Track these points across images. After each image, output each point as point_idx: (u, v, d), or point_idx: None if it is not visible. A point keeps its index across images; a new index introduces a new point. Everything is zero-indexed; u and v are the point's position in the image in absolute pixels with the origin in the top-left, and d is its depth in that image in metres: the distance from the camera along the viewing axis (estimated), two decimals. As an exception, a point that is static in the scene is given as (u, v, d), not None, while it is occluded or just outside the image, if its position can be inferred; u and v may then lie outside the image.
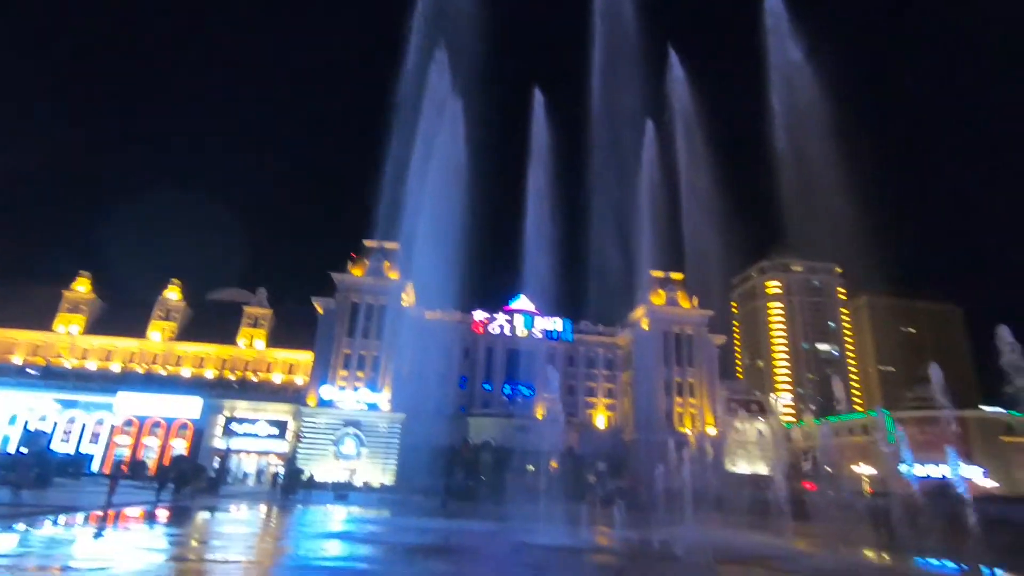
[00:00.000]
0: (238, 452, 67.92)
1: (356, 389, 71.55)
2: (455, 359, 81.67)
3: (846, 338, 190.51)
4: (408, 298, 78.37)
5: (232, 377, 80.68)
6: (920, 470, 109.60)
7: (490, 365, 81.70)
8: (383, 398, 71.56)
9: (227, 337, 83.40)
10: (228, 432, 69.83)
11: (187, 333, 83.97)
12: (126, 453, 68.78)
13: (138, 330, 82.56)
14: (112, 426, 69.20)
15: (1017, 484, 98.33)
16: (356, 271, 77.01)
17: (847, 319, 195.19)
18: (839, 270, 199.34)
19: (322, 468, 65.34)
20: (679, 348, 77.92)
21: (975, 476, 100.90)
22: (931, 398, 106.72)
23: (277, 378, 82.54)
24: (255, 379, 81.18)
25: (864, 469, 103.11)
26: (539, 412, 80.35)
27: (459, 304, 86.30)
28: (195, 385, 76.94)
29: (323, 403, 70.43)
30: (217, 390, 74.40)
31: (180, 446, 70.64)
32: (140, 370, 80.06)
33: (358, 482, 63.31)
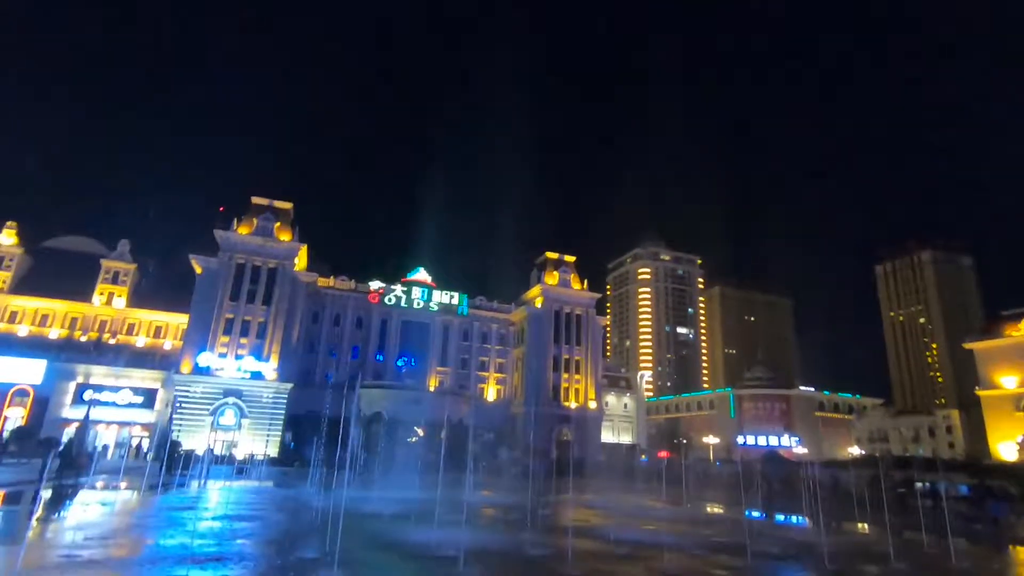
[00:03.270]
0: (96, 423, 60.55)
1: (239, 357, 66.81)
2: (348, 329, 79.22)
3: (700, 323, 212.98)
4: (300, 263, 74.23)
5: (84, 339, 71.07)
6: (752, 440, 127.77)
7: (384, 336, 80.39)
8: (269, 367, 67.64)
9: (78, 293, 72.90)
10: (80, 401, 61.99)
11: (25, 285, 72.07)
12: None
13: (-44, 279, 69.33)
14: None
15: (823, 450, 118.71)
16: (243, 229, 71.11)
17: (703, 306, 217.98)
18: (700, 261, 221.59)
19: (198, 440, 60.68)
20: (568, 327, 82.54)
21: (792, 445, 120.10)
22: (763, 378, 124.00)
23: (141, 341, 74.16)
24: (113, 342, 72.26)
25: (711, 439, 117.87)
26: (431, 384, 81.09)
27: (355, 273, 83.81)
28: (36, 346, 66.73)
29: (200, 370, 64.91)
30: (67, 352, 65.28)
31: (16, 415, 61.45)
32: (-41, 327, 67.56)
33: (240, 455, 59.79)
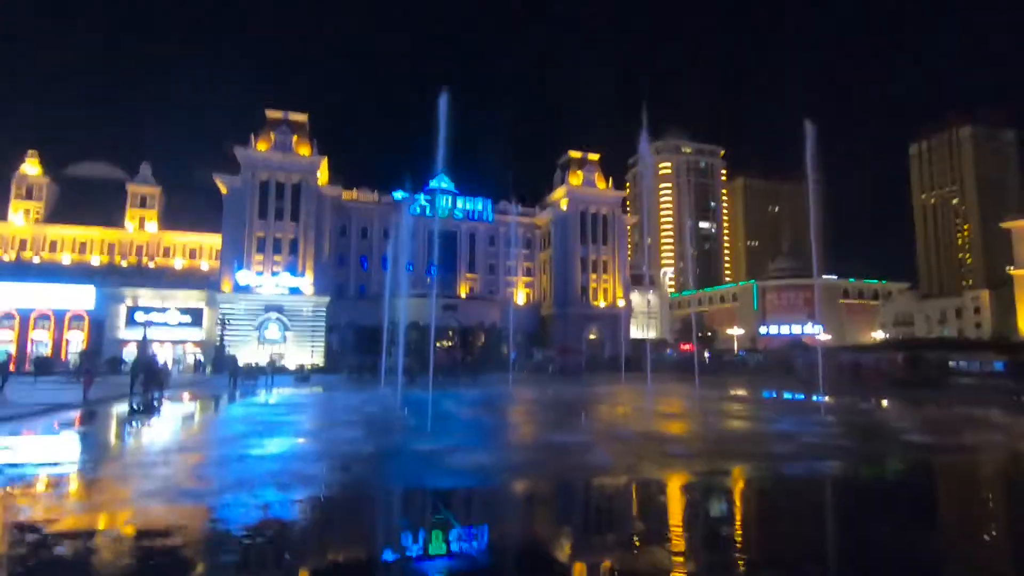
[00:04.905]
0: (151, 342, 63.86)
1: (275, 274, 68.54)
2: (375, 240, 79.99)
3: (724, 216, 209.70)
4: (322, 177, 73.64)
5: (124, 264, 73.20)
6: (776, 330, 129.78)
7: (413, 246, 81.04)
8: (306, 282, 69.50)
9: (110, 219, 74.07)
10: (133, 322, 65.07)
11: (59, 215, 73.32)
12: (10, 349, 62.12)
13: (-7, 211, 70.67)
14: (-13, 321, 61.53)
15: (846, 336, 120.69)
16: (261, 145, 70.06)
17: (726, 199, 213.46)
18: (722, 153, 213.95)
19: (246, 352, 64.01)
20: (595, 227, 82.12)
21: (817, 332, 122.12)
22: (788, 269, 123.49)
23: (178, 263, 76.16)
24: (152, 265, 74.36)
25: (735, 331, 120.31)
26: (462, 291, 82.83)
27: (377, 184, 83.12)
28: (82, 273, 69.06)
29: (240, 288, 67.05)
30: (112, 278, 67.58)
31: (76, 339, 65.06)
32: (6, 258, 69.81)
33: (290, 365, 63.22)
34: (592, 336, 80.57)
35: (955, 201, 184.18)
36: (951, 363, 39.52)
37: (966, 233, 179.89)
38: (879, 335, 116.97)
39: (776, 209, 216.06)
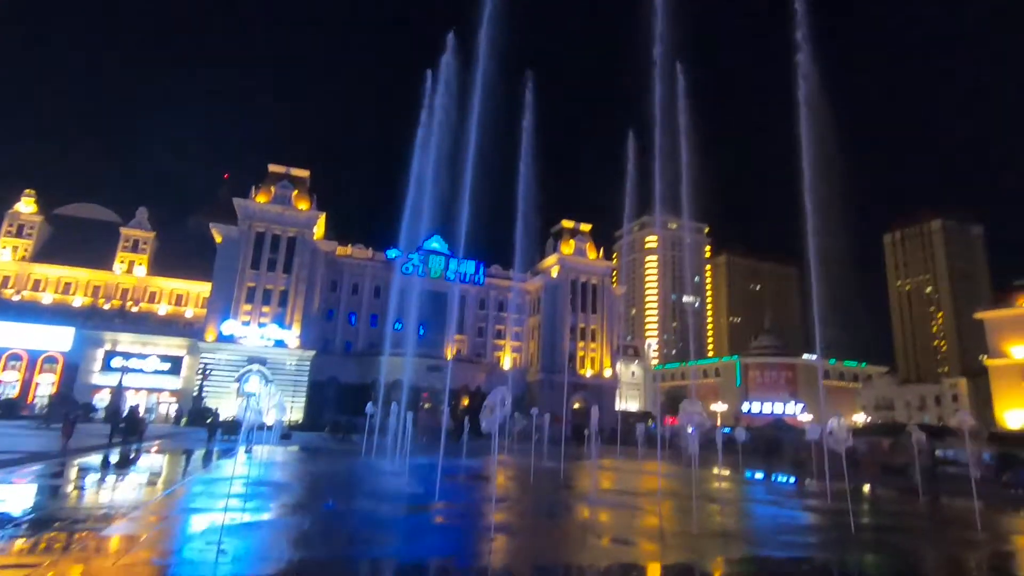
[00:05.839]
0: (126, 389, 61.87)
1: (262, 325, 67.72)
2: (366, 297, 79.95)
3: (707, 291, 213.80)
4: (319, 231, 74.40)
5: (107, 307, 71.89)
6: (758, 407, 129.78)
7: (402, 305, 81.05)
8: (291, 335, 68.65)
9: (99, 261, 73.41)
10: (108, 367, 63.24)
11: (46, 254, 72.53)
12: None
13: (-21, 247, 69.70)
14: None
15: (826, 416, 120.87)
16: (261, 198, 71.06)
17: (710, 274, 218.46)
18: (707, 230, 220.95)
19: (224, 406, 62.16)
20: (584, 296, 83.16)
21: (796, 412, 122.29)
22: (770, 346, 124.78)
23: (163, 309, 74.99)
24: (136, 310, 73.10)
25: (718, 406, 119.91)
26: (449, 353, 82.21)
27: (372, 241, 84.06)
28: (62, 314, 67.56)
29: (224, 338, 65.93)
30: (93, 320, 66.14)
31: (47, 381, 62.74)
32: (-15, 294, 68.30)
33: (269, 420, 61.22)
34: (576, 405, 79.81)
35: (928, 289, 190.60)
36: (938, 452, 39.66)
37: (940, 320, 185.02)
38: (860, 418, 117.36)
39: (758, 287, 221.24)
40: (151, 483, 17.41)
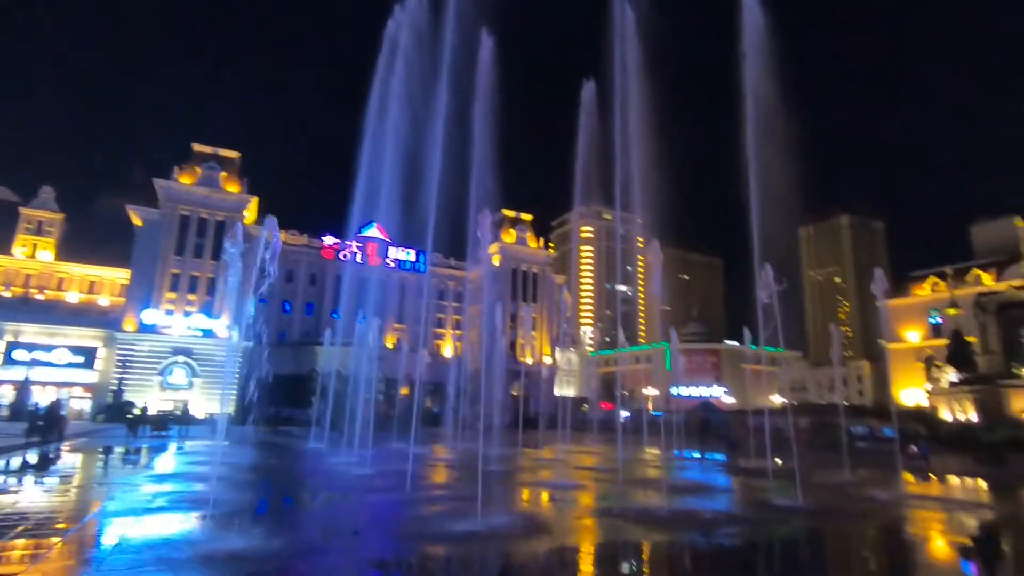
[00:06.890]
0: (33, 384, 56.80)
1: (187, 314, 64.01)
2: (301, 285, 77.26)
3: (639, 281, 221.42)
4: (251, 216, 70.91)
5: (7, 294, 65.56)
6: (687, 391, 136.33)
7: (339, 293, 78.94)
8: (221, 324, 65.30)
9: (-4, 244, 66.74)
10: (10, 361, 57.81)
11: (-68, 236, 65.06)
12: None
13: None
14: None
15: (748, 399, 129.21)
16: (185, 179, 66.79)
17: (641, 264, 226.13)
18: (640, 221, 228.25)
19: (146, 399, 58.52)
20: (524, 284, 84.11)
21: (721, 395, 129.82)
22: (696, 334, 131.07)
23: (73, 297, 69.22)
24: (41, 298, 67.08)
25: (650, 391, 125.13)
26: (389, 342, 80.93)
27: (307, 228, 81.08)
28: (-47, 302, 61.00)
29: (145, 328, 61.84)
30: (-9, 310, 60.10)
31: (-65, 377, 56.59)
32: None
33: (198, 413, 58.31)
34: (514, 393, 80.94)
35: (837, 279, 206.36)
36: (854, 429, 43.31)
37: (847, 308, 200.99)
38: (777, 399, 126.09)
39: (686, 277, 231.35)
40: (82, 486, 16.32)
